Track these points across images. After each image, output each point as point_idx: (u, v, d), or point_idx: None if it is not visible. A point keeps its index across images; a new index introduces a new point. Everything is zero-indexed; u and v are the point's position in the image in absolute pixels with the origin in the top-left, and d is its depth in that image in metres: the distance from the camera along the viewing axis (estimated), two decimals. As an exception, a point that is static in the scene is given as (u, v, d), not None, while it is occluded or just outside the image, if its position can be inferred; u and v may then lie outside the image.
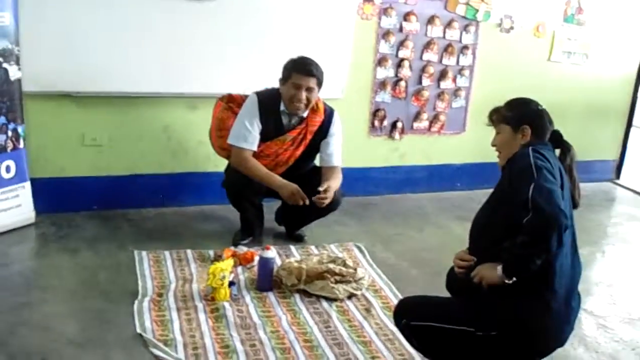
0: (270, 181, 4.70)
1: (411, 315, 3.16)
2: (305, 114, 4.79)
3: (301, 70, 4.63)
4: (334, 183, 4.75)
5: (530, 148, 3.03)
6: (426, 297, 3.32)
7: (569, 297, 3.06)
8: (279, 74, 4.74)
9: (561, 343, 3.13)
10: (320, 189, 4.59)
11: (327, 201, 4.62)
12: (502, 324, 2.98)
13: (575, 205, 3.15)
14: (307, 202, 4.59)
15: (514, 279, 2.92)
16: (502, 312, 2.98)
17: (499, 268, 2.93)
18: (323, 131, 4.87)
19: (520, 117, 3.19)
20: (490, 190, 3.27)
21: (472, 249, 3.28)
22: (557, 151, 3.23)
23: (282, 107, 4.76)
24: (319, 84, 4.70)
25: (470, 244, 3.32)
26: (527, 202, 2.79)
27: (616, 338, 4.17)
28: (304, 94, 4.64)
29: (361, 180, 6.35)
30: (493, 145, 3.30)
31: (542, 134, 3.18)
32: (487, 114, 3.36)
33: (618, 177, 7.81)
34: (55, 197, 5.26)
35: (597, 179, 7.45)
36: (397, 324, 3.25)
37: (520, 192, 2.84)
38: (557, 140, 3.24)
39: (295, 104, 4.67)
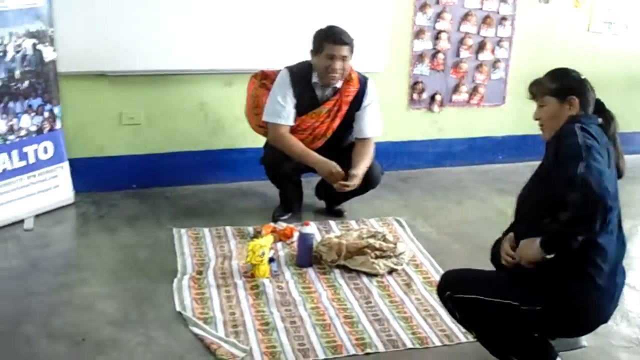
0: (308, 158, 4.66)
1: (455, 288, 3.11)
2: (339, 85, 4.74)
3: (333, 39, 4.57)
4: (363, 165, 4.70)
5: (576, 125, 2.92)
6: (470, 270, 3.27)
7: (614, 273, 2.99)
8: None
9: (605, 319, 3.07)
10: (344, 182, 4.57)
11: (349, 189, 4.60)
12: (546, 299, 2.92)
13: (620, 175, 3.06)
14: (344, 175, 4.56)
15: (553, 254, 2.85)
16: (547, 287, 2.92)
17: (537, 242, 2.87)
18: (358, 101, 4.81)
19: (566, 87, 3.08)
20: (531, 163, 3.20)
21: (518, 223, 3.21)
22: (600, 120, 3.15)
23: (314, 79, 4.71)
24: (352, 52, 4.63)
25: (515, 219, 3.25)
26: (574, 180, 2.70)
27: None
28: (338, 64, 4.58)
29: (400, 154, 6.31)
30: (536, 119, 3.18)
31: (588, 104, 3.08)
32: (527, 86, 3.23)
33: (660, 148, 7.64)
34: (94, 176, 5.28)
35: (639, 150, 7.30)
36: (441, 296, 3.20)
37: (568, 169, 2.74)
38: (600, 110, 3.15)
39: (331, 75, 4.61)
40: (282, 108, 4.65)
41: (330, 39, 4.57)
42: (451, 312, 3.22)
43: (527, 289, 2.97)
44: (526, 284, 2.97)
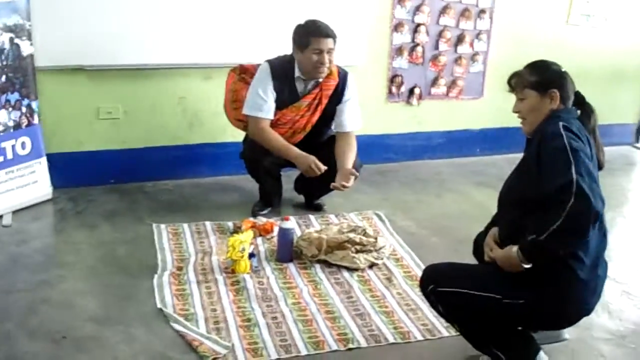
0: (288, 153, 4.65)
1: (438, 281, 3.10)
2: (320, 79, 4.73)
3: (319, 33, 4.54)
4: (352, 160, 4.72)
5: (560, 124, 2.92)
6: (453, 263, 3.26)
7: (595, 266, 3.00)
8: (292, 42, 4.67)
9: (587, 312, 3.09)
10: (344, 183, 4.57)
11: (348, 188, 4.62)
12: (529, 292, 2.94)
13: (600, 166, 3.06)
14: (324, 170, 4.57)
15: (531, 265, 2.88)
16: (530, 281, 2.93)
17: (515, 253, 2.89)
18: (338, 95, 4.80)
19: (547, 80, 3.07)
20: (510, 156, 3.22)
21: (500, 219, 3.22)
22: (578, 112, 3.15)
23: (297, 74, 4.69)
24: (336, 44, 4.62)
25: (498, 214, 3.26)
26: (567, 187, 2.68)
27: (638, 305, 4.11)
28: (326, 57, 4.56)
29: (379, 147, 6.30)
30: (516, 112, 3.16)
31: (568, 96, 3.07)
32: (507, 79, 3.21)
33: (638, 140, 7.70)
34: (72, 171, 5.24)
35: (617, 142, 7.32)
36: (424, 289, 3.19)
37: (559, 175, 2.73)
38: (580, 102, 3.14)
39: (320, 69, 4.60)
40: (263, 102, 4.63)
41: (316, 33, 4.54)
42: (434, 306, 3.22)
43: (510, 282, 2.97)
44: (509, 278, 2.98)
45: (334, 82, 4.76)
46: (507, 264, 2.96)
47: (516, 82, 3.15)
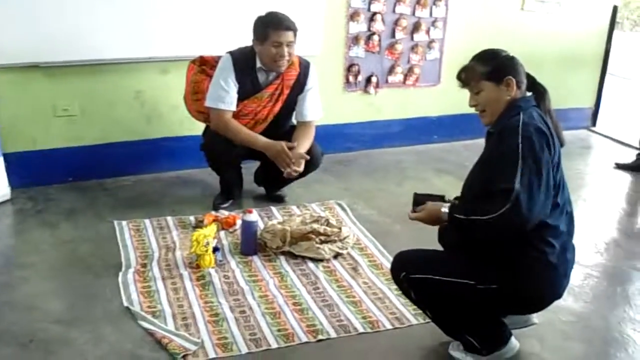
0: (254, 142, 4.63)
1: (411, 269, 3.11)
2: (280, 72, 4.71)
3: (279, 26, 4.51)
4: (306, 146, 4.74)
5: (521, 119, 2.93)
6: (424, 250, 3.26)
7: (565, 250, 3.04)
8: (250, 33, 4.63)
9: (559, 296, 3.12)
10: (295, 167, 4.59)
11: (298, 173, 4.63)
12: (500, 277, 2.96)
13: (561, 144, 3.07)
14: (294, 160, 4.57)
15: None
16: (501, 266, 2.96)
17: (445, 210, 3.00)
18: (299, 85, 4.80)
19: (500, 68, 3.06)
20: (467, 142, 3.25)
21: None
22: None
23: (258, 65, 4.66)
24: (296, 36, 4.59)
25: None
26: (508, 194, 2.76)
27: (601, 287, 4.17)
28: (286, 50, 4.54)
29: (338, 137, 6.30)
30: (473, 105, 3.14)
31: (522, 81, 3.08)
32: (456, 75, 3.17)
33: (594, 124, 7.81)
34: (30, 170, 5.17)
35: (574, 126, 7.42)
36: (396, 277, 3.19)
37: (505, 177, 2.81)
38: (532, 84, 3.14)
39: (279, 62, 4.58)
40: (225, 93, 4.60)
41: (274, 26, 4.51)
42: (406, 293, 3.23)
43: (482, 267, 3.00)
44: (481, 263, 3.01)
45: (295, 72, 4.75)
46: (431, 216, 3.08)
47: (467, 76, 3.12)
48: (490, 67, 3.06)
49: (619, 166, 6.43)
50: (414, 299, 3.22)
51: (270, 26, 4.51)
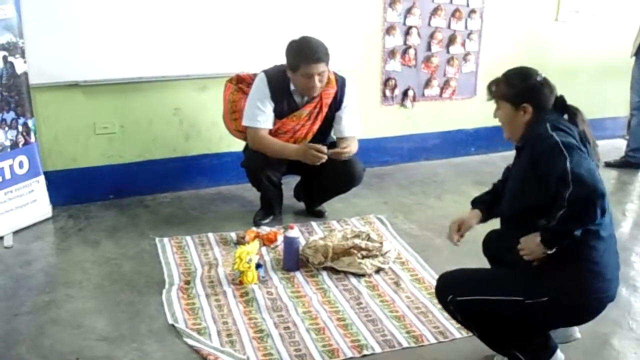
0: (285, 151, 4.65)
1: (457, 291, 3.07)
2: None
3: (309, 59, 4.47)
4: (354, 145, 4.77)
5: (547, 125, 2.92)
6: (466, 270, 3.25)
7: (610, 255, 3.01)
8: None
9: (610, 299, 3.04)
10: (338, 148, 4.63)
11: (345, 155, 4.64)
12: (551, 288, 2.92)
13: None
14: (326, 152, 4.55)
15: (554, 250, 2.87)
16: (549, 277, 2.93)
17: (538, 239, 2.88)
18: (337, 102, 4.79)
19: (520, 94, 3.05)
20: (504, 154, 3.24)
21: (505, 232, 3.23)
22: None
23: (292, 87, 4.67)
24: (328, 63, 4.57)
25: (502, 227, 3.28)
26: (565, 177, 2.72)
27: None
28: (317, 80, 4.52)
29: (375, 151, 6.30)
30: (495, 117, 3.18)
31: (544, 107, 3.06)
32: (487, 85, 3.21)
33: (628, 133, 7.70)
34: (71, 189, 5.21)
35: (610, 135, 7.36)
36: (443, 300, 3.16)
37: (556, 168, 2.77)
38: (562, 106, 3.12)
39: (310, 91, 4.59)
40: (261, 112, 4.61)
41: (305, 59, 4.47)
42: (453, 316, 3.19)
43: (528, 282, 2.97)
44: (529, 277, 2.98)
45: (332, 90, 4.74)
46: (529, 247, 2.95)
47: (493, 92, 3.16)
48: (512, 91, 3.07)
49: (607, 164, 6.49)
50: (460, 321, 3.19)
51: (301, 58, 4.48)
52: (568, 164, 2.74)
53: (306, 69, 4.48)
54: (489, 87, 3.18)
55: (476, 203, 3.45)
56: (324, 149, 4.55)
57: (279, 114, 4.67)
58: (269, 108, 4.63)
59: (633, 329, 3.75)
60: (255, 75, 4.77)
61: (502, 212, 3.23)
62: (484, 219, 3.39)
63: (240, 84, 4.89)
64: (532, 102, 3.03)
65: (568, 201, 2.71)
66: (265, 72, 4.70)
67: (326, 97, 4.73)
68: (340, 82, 4.80)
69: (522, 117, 3.05)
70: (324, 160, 4.54)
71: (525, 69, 3.15)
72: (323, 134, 4.86)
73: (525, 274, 2.99)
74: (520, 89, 3.07)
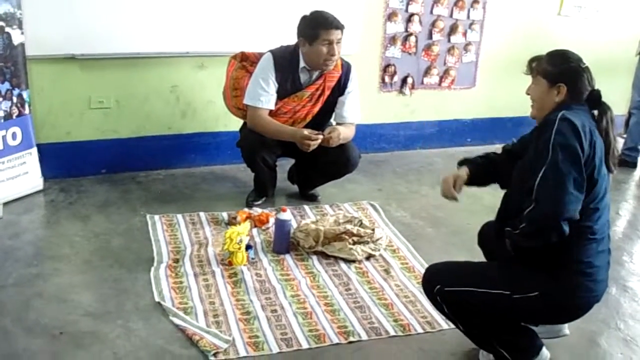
0: (282, 133, 4.63)
1: (445, 281, 3.07)
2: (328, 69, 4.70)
3: (329, 25, 4.50)
4: (343, 128, 4.72)
5: (560, 114, 2.89)
6: (455, 262, 3.25)
7: (602, 254, 3.00)
8: (290, 32, 4.62)
9: (597, 300, 3.04)
10: (326, 133, 4.59)
11: (333, 142, 4.60)
12: (539, 284, 2.91)
13: (609, 170, 3.02)
14: (319, 137, 4.55)
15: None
16: (538, 273, 2.93)
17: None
18: (341, 87, 4.79)
19: (560, 73, 3.02)
20: (500, 146, 3.19)
21: (509, 199, 3.19)
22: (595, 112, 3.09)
23: (302, 64, 4.65)
24: (343, 34, 4.60)
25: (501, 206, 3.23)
26: (530, 192, 2.76)
27: (636, 298, 4.10)
28: (336, 48, 4.54)
29: (371, 136, 6.30)
30: (527, 94, 3.16)
31: (579, 94, 3.02)
32: (527, 62, 3.18)
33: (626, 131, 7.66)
34: (63, 162, 5.18)
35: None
36: (429, 290, 3.15)
37: (532, 174, 2.79)
38: (596, 100, 3.07)
39: (328, 61, 4.57)
40: (264, 92, 4.59)
41: (325, 25, 4.50)
42: (439, 307, 3.17)
43: (520, 276, 2.96)
44: (519, 272, 2.98)
45: (337, 73, 4.74)
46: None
47: (534, 66, 3.13)
48: (552, 69, 3.04)
49: None
50: (446, 312, 3.17)
51: (320, 26, 4.50)
52: (537, 178, 2.76)
53: (327, 34, 4.49)
54: (530, 62, 3.16)
55: (466, 162, 3.45)
56: (320, 136, 4.54)
57: (280, 95, 4.65)
58: (272, 89, 4.61)
59: (621, 328, 3.75)
60: (260, 54, 4.74)
61: (513, 182, 3.19)
62: (468, 181, 3.38)
63: (244, 61, 4.86)
64: (568, 84, 3.00)
65: (527, 218, 2.77)
66: (272, 51, 4.68)
67: (329, 80, 4.72)
68: (346, 67, 4.80)
69: (555, 96, 3.02)
70: (314, 148, 4.52)
71: (570, 52, 3.12)
72: (323, 117, 4.85)
73: (515, 269, 2.98)
74: (562, 69, 3.04)
